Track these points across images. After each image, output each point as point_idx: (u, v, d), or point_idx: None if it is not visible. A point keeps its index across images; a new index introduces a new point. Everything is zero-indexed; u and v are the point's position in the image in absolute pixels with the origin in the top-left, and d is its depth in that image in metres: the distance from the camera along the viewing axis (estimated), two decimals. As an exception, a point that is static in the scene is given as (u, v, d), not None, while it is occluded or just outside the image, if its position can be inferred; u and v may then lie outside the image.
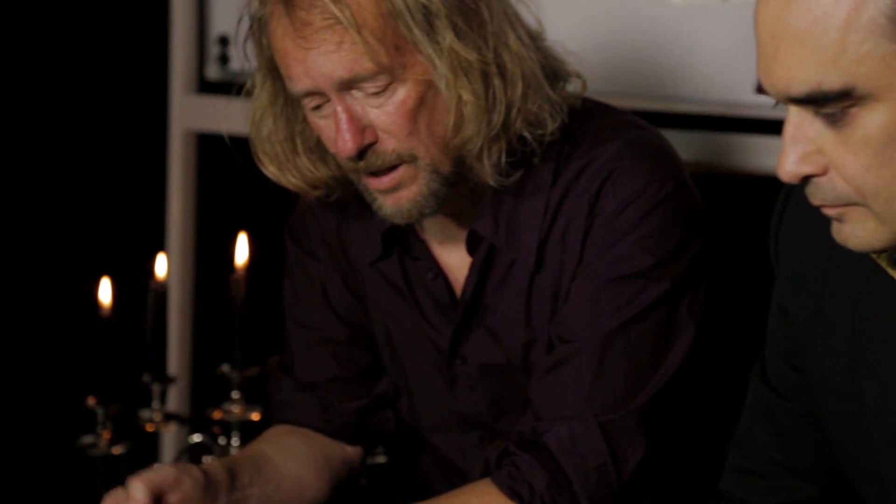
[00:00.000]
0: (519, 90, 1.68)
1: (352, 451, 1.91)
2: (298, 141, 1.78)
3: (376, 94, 1.66)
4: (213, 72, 2.71)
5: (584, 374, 1.71)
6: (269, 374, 1.96)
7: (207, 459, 2.24)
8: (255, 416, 2.26)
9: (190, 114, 2.74)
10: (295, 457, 1.85)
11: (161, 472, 1.72)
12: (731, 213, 2.26)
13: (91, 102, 2.89)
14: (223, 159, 2.75)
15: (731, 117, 2.31)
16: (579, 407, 1.70)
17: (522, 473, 1.69)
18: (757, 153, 2.29)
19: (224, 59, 2.69)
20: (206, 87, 2.73)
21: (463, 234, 1.81)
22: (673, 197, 1.74)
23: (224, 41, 2.68)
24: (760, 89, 1.23)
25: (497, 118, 1.68)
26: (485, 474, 1.74)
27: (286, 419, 1.91)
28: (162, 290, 2.26)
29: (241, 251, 2.26)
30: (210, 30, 2.70)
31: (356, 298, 1.91)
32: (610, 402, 1.70)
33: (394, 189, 1.71)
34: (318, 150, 1.77)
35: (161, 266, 2.26)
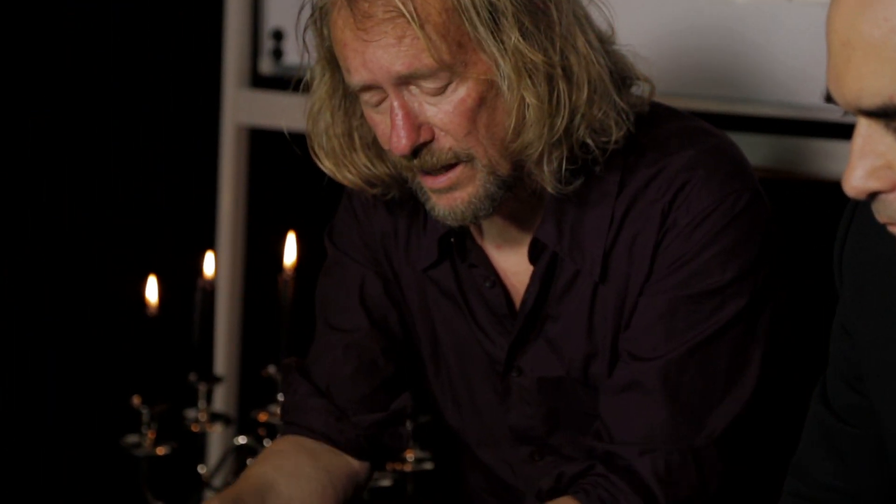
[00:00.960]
0: (584, 95, 1.63)
1: (357, 467, 1.82)
2: (356, 136, 1.73)
3: (435, 92, 1.60)
4: (266, 66, 2.68)
5: (660, 395, 1.66)
6: (285, 374, 1.90)
7: (251, 461, 2.21)
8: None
9: (243, 108, 2.71)
10: (298, 480, 1.77)
11: None
12: (800, 220, 2.19)
13: (144, 95, 2.88)
14: (275, 155, 2.72)
15: (799, 120, 2.25)
16: (665, 434, 1.65)
17: (617, 499, 1.64)
18: (827, 158, 2.23)
19: (278, 54, 2.66)
20: (259, 81, 2.70)
21: (522, 239, 1.76)
22: (749, 209, 1.69)
23: (278, 35, 2.65)
24: (829, 98, 1.17)
25: (560, 123, 1.62)
26: (553, 490, 1.68)
27: (296, 422, 1.83)
28: (210, 288, 2.23)
29: (290, 251, 2.22)
30: (264, 24, 2.67)
31: (394, 306, 1.86)
32: (694, 428, 1.66)
33: (449, 189, 1.65)
34: (376, 146, 1.72)
35: (209, 264, 2.23)
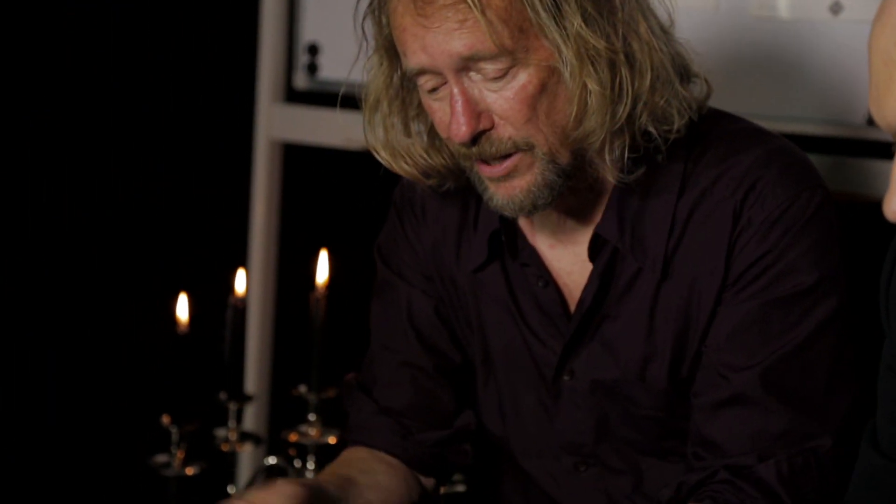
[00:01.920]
0: (647, 82, 1.59)
1: (425, 482, 1.83)
2: (413, 126, 1.71)
3: (496, 77, 1.58)
4: (301, 81, 2.65)
5: (766, 403, 1.61)
6: (346, 392, 1.89)
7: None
8: (332, 440, 2.21)
9: (276, 123, 2.68)
10: (378, 484, 1.76)
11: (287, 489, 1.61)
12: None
13: (176, 109, 2.86)
14: (309, 171, 2.69)
15: (844, 138, 2.20)
16: (781, 439, 1.61)
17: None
18: (872, 177, 2.17)
19: (312, 69, 2.63)
20: (293, 96, 2.67)
21: (577, 236, 1.72)
22: (825, 207, 1.65)
23: (313, 50, 2.63)
24: (872, 120, 1.12)
25: (622, 110, 1.59)
26: (674, 500, 1.63)
27: (363, 442, 1.82)
28: (241, 306, 2.20)
29: (322, 269, 2.19)
30: (299, 38, 2.65)
31: (444, 325, 1.83)
32: (809, 430, 1.61)
33: (507, 178, 1.62)
34: (433, 136, 1.70)
35: (241, 281, 2.19)
